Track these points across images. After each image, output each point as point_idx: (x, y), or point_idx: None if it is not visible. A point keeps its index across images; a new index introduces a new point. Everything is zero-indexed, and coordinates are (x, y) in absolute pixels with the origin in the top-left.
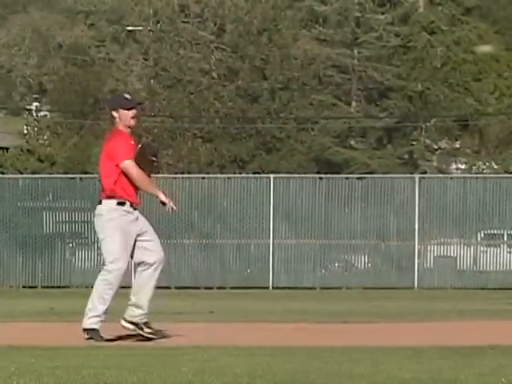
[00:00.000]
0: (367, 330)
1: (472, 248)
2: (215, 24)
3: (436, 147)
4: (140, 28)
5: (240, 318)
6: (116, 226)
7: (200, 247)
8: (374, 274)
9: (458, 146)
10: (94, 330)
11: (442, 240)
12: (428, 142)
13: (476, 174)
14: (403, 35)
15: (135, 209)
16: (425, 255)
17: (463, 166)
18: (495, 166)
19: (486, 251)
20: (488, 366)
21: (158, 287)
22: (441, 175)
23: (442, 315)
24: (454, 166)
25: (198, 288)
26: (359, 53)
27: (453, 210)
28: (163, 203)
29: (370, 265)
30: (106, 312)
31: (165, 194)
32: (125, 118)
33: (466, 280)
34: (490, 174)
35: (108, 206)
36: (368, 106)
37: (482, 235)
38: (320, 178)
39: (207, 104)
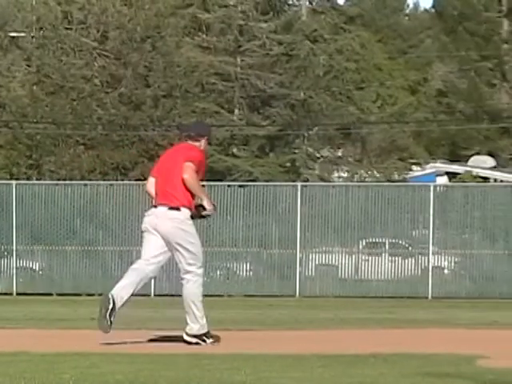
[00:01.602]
0: (249, 337)
1: (354, 256)
2: (98, 31)
3: (318, 155)
4: (23, 34)
5: (122, 324)
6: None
7: (82, 254)
8: (255, 282)
9: (340, 154)
10: (206, 333)
11: (324, 248)
12: (310, 150)
13: (358, 182)
14: (286, 43)
15: None
16: (306, 263)
17: (345, 175)
18: (377, 175)
19: (368, 260)
20: (369, 374)
21: (40, 294)
22: (323, 183)
23: (323, 323)
24: (336, 175)
25: (80, 295)
26: (242, 61)
27: (335, 219)
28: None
29: (251, 273)
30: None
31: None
32: (204, 146)
33: (348, 288)
34: (371, 182)
35: (186, 215)
36: (251, 113)
37: (364, 244)
38: (202, 185)
39: (90, 111)
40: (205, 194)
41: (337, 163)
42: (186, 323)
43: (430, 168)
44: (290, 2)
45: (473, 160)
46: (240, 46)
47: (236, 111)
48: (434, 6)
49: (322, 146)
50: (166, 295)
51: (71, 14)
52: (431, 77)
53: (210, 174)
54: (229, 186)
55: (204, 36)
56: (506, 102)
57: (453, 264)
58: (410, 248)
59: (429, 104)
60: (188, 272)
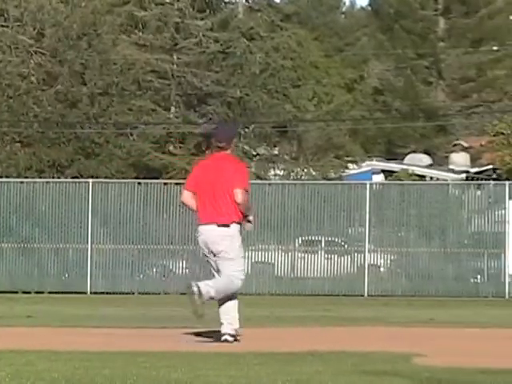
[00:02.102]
0: (185, 335)
1: (290, 254)
2: (34, 28)
3: (254, 153)
4: None
5: (58, 322)
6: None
7: (18, 251)
8: (191, 280)
9: (276, 152)
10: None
11: (260, 246)
12: (246, 148)
13: (294, 180)
14: (222, 41)
15: None
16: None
17: (281, 173)
18: (313, 173)
19: (304, 258)
20: (306, 372)
21: None
22: (259, 181)
23: (259, 321)
24: (272, 172)
25: (16, 292)
26: (178, 58)
27: (271, 216)
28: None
29: (187, 270)
30: None
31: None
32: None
33: (284, 286)
34: (308, 180)
35: (236, 230)
36: (187, 111)
37: (300, 241)
38: (139, 183)
39: (26, 108)
40: (253, 212)
41: (273, 161)
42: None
43: (366, 166)
44: (227, 0)
45: (409, 158)
46: (176, 44)
47: (172, 109)
48: (370, 4)
49: (258, 143)
50: (102, 293)
51: (7, 12)
52: (367, 75)
53: (147, 171)
54: (165, 183)
55: (140, 34)
56: (442, 99)
57: (389, 262)
58: (346, 246)
59: (365, 102)
60: None
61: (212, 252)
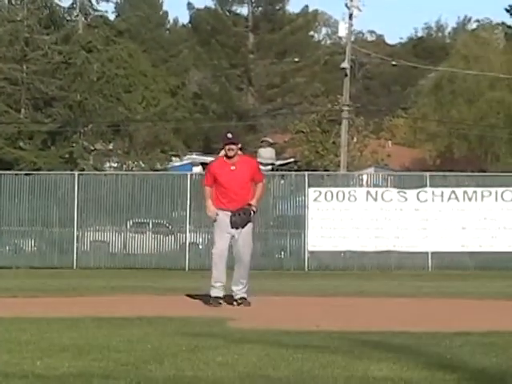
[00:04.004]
0: (33, 303)
1: (122, 234)
2: None
3: (92, 148)
4: None
5: None
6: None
7: None
8: (39, 256)
9: (111, 147)
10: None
11: (97, 227)
12: (86, 144)
13: (126, 171)
14: (65, 53)
15: None
16: (82, 240)
17: (115, 165)
18: (143, 165)
19: (134, 237)
20: (136, 334)
21: None
22: (96, 172)
23: (97, 291)
24: (107, 165)
25: None
26: (27, 68)
27: (107, 202)
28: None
29: (36, 248)
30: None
31: None
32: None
33: (117, 261)
34: (138, 171)
35: None
36: (35, 112)
37: (131, 223)
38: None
39: None
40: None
41: (108, 155)
42: None
43: (187, 159)
44: (68, 18)
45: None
46: (26, 55)
47: (22, 110)
48: (190, 22)
49: (95, 140)
50: None
51: None
52: (188, 82)
53: (0, 164)
54: (16, 174)
55: None
56: (252, 103)
57: (206, 240)
58: (170, 227)
59: (186, 105)
60: None
61: None
